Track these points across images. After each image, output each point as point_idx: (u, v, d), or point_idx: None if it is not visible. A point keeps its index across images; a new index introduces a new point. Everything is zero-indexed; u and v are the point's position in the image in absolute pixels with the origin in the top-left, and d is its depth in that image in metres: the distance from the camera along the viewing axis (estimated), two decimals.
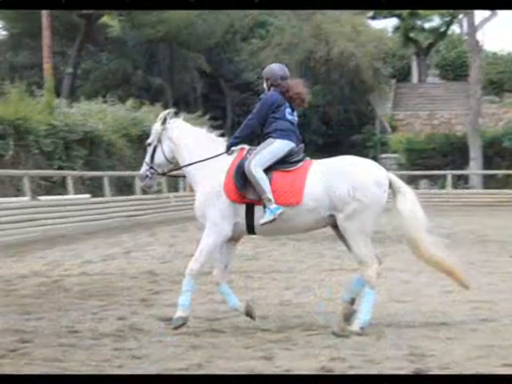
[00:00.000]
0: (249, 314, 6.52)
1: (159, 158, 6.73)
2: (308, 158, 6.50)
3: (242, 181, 6.28)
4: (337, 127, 36.15)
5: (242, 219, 6.34)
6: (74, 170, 19.74)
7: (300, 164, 6.38)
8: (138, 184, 17.49)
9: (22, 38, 31.92)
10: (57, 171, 19.14)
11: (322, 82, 33.79)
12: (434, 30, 40.69)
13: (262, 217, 6.24)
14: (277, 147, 6.39)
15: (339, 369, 5.02)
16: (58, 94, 24.56)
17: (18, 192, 16.96)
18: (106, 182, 19.60)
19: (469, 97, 30.70)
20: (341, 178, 6.23)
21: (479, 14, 30.85)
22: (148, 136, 6.92)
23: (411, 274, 9.20)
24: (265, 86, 6.68)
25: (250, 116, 6.56)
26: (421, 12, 38.04)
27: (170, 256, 11.86)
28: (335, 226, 6.37)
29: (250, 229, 6.39)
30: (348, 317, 6.26)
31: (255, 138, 6.75)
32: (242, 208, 6.33)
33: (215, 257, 6.50)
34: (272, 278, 9.35)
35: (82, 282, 9.26)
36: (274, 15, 36.64)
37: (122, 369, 5.09)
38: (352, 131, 35.50)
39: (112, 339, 6.00)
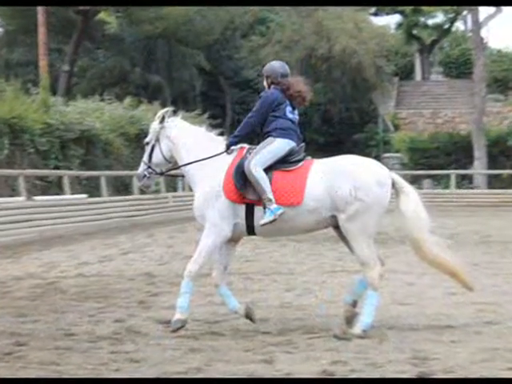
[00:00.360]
0: (249, 316, 6.48)
1: (157, 157, 6.69)
2: (309, 158, 6.46)
3: (241, 181, 6.24)
4: (338, 126, 36.09)
5: (241, 220, 6.30)
6: (71, 169, 19.66)
7: (301, 163, 6.33)
8: (136, 184, 17.39)
9: (17, 34, 31.83)
10: (53, 171, 19.05)
11: (323, 80, 33.75)
12: (437, 27, 40.67)
13: (262, 217, 6.19)
14: (277, 146, 6.34)
15: (341, 372, 4.98)
16: (54, 92, 24.51)
17: (14, 192, 16.89)
18: (103, 181, 19.53)
19: (473, 95, 30.49)
20: (342, 178, 6.17)
21: (484, 11, 30.97)
22: (146, 135, 6.89)
23: (414, 275, 9.17)
24: (265, 83, 6.64)
25: (249, 114, 6.52)
26: (424, 8, 38.01)
27: (168, 257, 11.83)
28: (337, 227, 6.31)
29: (250, 229, 6.35)
30: (350, 319, 6.23)
31: (255, 136, 6.69)
32: (242, 208, 6.28)
33: (214, 258, 6.47)
34: (272, 280, 9.32)
35: (79, 283, 9.23)
36: (275, 12, 36.64)
37: (120, 372, 5.05)
38: (354, 130, 35.45)
39: (109, 342, 5.96)
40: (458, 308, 7.18)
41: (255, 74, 32.19)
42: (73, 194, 18.26)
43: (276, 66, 6.63)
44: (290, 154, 6.34)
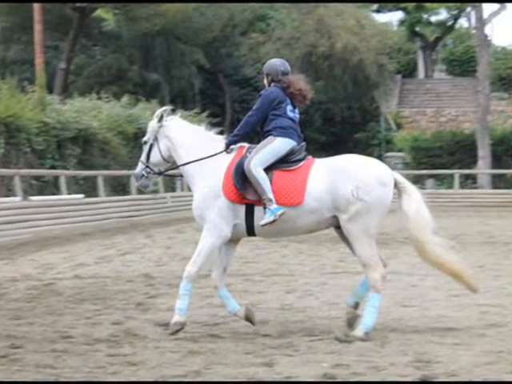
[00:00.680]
0: (249, 318, 6.44)
1: (155, 156, 6.65)
2: (310, 157, 6.41)
3: (241, 180, 6.19)
4: (340, 125, 36.04)
5: (241, 220, 6.26)
6: (67, 169, 19.61)
7: (302, 163, 6.29)
8: (134, 184, 17.29)
9: (13, 32, 31.72)
10: (49, 170, 19.00)
11: (324, 78, 33.59)
12: (440, 24, 40.67)
13: (262, 218, 6.14)
14: (277, 146, 6.29)
15: (342, 375, 4.95)
16: (50, 91, 24.43)
17: (9, 192, 16.83)
18: (100, 181, 19.49)
19: (477, 93, 30.25)
20: (344, 178, 6.11)
21: (488, 8, 30.80)
22: (144, 134, 6.84)
23: (417, 277, 9.15)
24: (265, 81, 6.59)
25: (249, 113, 6.48)
26: (427, 5, 37.95)
27: (166, 258, 11.80)
28: (338, 227, 6.26)
29: (250, 230, 6.30)
30: (352, 322, 6.19)
31: (255, 135, 6.63)
32: (242, 209, 6.23)
33: (214, 259, 6.42)
34: (272, 282, 9.29)
35: (76, 285, 9.19)
36: (275, 8, 36.58)
37: (117, 375, 5.05)
38: (356, 129, 35.41)
39: (106, 345, 5.92)
40: (462, 310, 7.14)
41: (255, 72, 32.12)
42: (69, 194, 18.24)
43: (276, 63, 6.58)
44: (291, 153, 6.30)
